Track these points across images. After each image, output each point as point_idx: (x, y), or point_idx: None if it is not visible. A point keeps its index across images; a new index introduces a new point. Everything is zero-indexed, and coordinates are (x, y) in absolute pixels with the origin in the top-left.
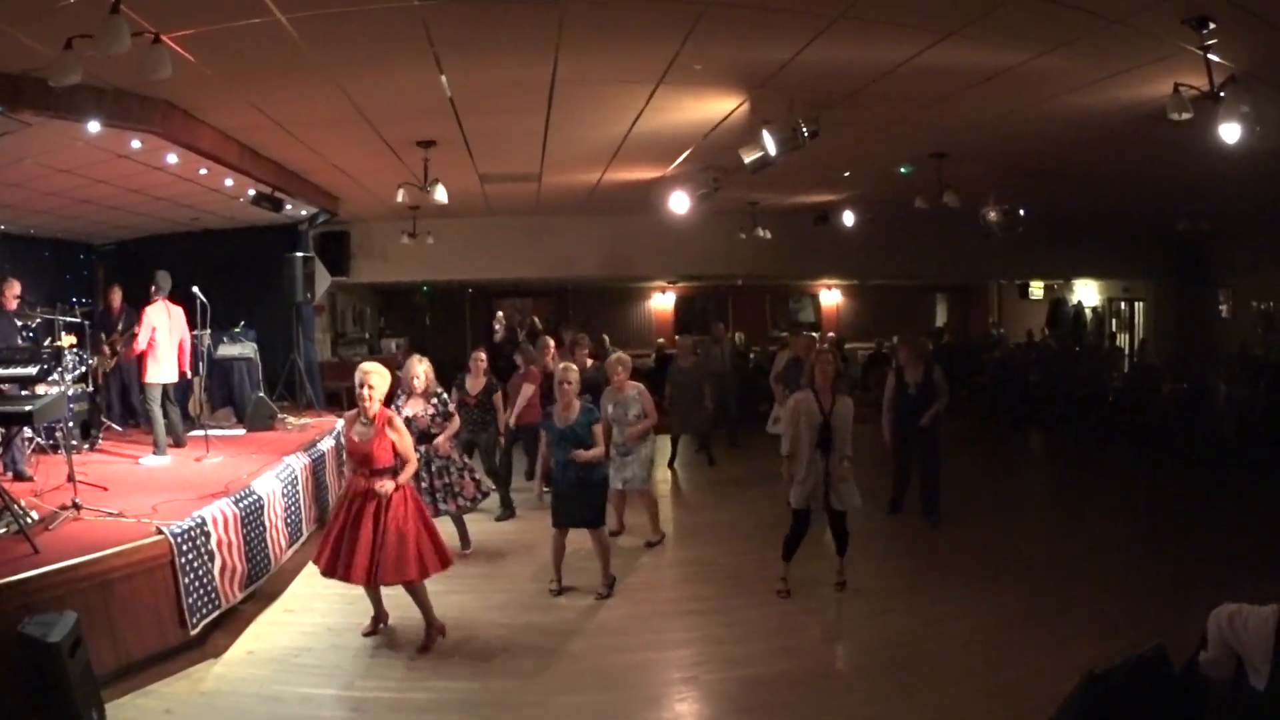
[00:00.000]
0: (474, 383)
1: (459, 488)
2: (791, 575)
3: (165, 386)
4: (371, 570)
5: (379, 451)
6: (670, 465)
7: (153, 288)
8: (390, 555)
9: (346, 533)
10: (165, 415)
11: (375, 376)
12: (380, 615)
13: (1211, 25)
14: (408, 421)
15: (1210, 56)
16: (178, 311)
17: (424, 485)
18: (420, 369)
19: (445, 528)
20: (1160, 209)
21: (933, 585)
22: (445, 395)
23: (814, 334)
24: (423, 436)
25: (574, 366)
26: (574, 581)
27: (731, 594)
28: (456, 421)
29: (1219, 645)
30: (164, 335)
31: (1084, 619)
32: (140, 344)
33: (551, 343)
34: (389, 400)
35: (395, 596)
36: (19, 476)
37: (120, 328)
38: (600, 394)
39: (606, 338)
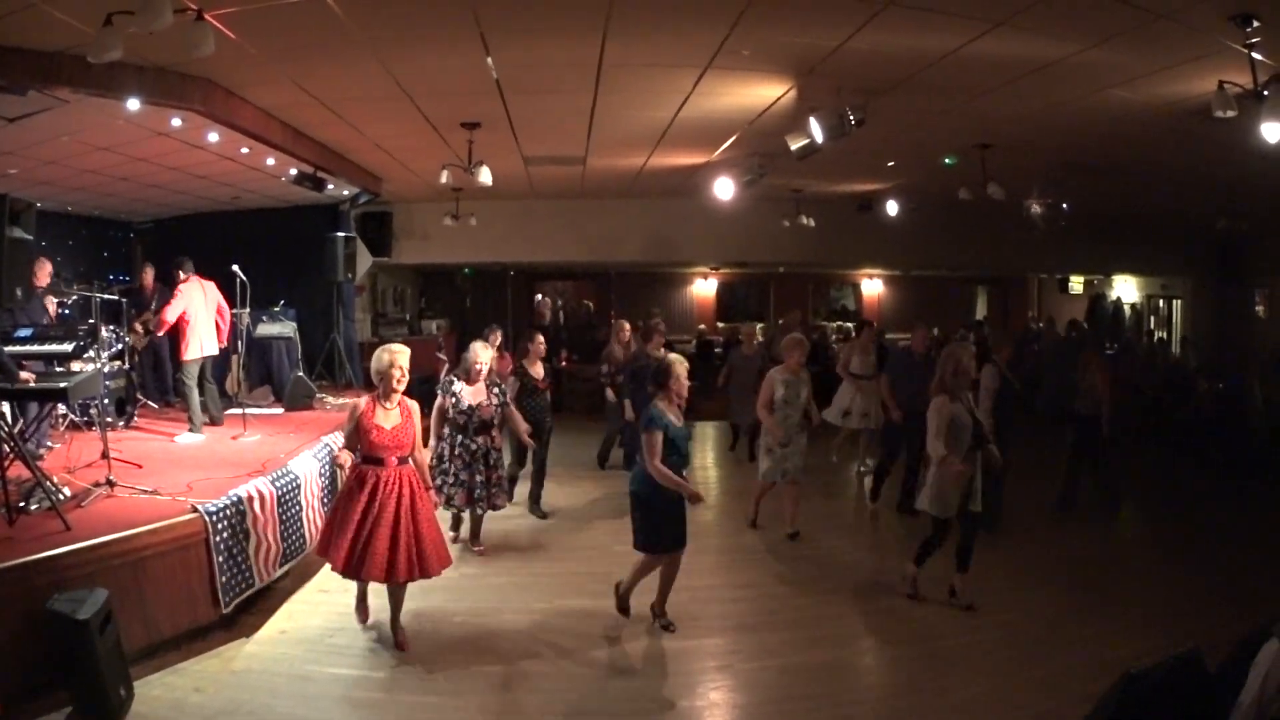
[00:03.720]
0: (538, 368)
1: (503, 484)
2: (826, 566)
3: (203, 363)
4: (412, 565)
5: (408, 439)
6: (732, 449)
7: (179, 271)
8: (431, 546)
9: (378, 530)
10: (202, 393)
11: (404, 358)
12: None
13: (1255, 23)
14: (470, 410)
15: (1254, 54)
16: (210, 286)
17: (479, 480)
18: (485, 355)
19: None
20: (1200, 207)
21: (967, 580)
22: (504, 386)
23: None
24: (483, 427)
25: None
26: (607, 568)
27: (767, 583)
28: (518, 417)
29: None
30: (198, 311)
31: (1117, 618)
32: (170, 317)
33: (627, 326)
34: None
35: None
36: (31, 454)
37: (153, 307)
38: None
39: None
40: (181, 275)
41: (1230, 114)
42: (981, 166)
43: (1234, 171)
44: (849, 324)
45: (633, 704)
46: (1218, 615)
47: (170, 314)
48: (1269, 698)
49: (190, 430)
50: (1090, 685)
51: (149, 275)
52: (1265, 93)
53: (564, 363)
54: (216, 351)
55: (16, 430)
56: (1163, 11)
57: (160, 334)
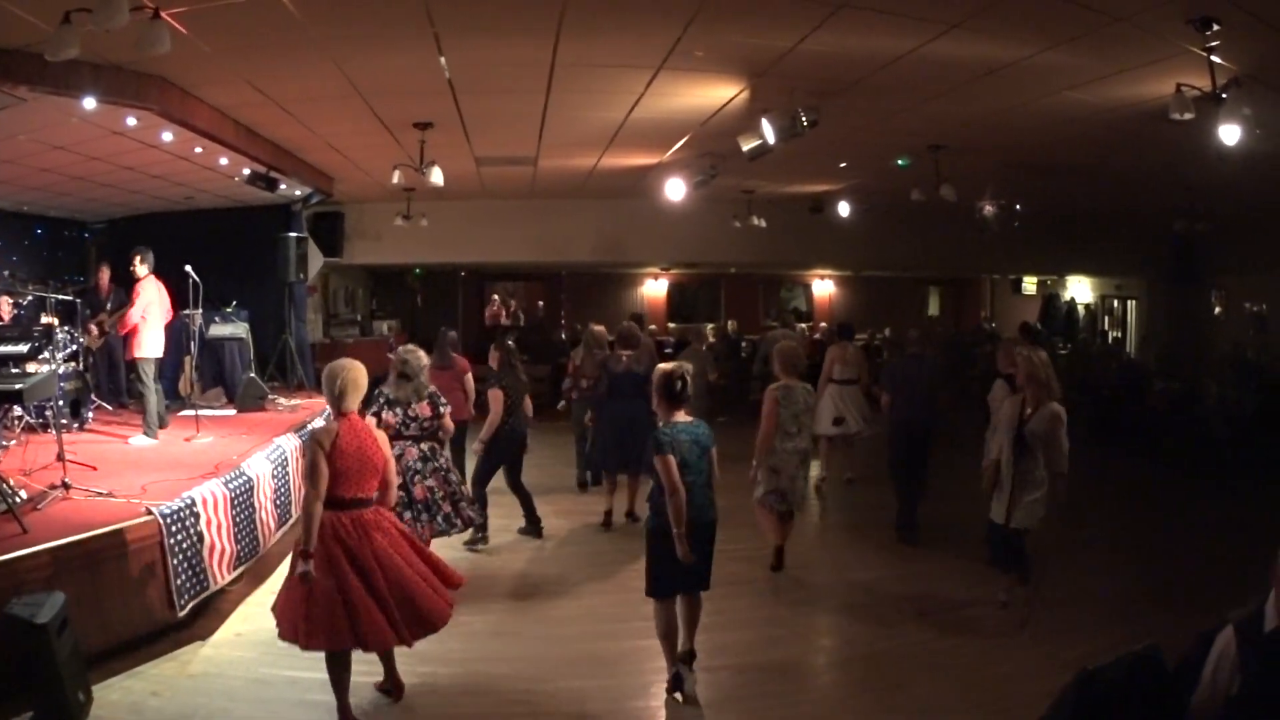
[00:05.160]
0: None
1: None
2: (787, 567)
3: (156, 363)
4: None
5: None
6: None
7: (141, 262)
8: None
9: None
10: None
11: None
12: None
13: (1215, 26)
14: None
15: (1213, 58)
16: (162, 288)
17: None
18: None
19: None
20: (1157, 208)
21: (920, 579)
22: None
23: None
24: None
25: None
26: (560, 568)
27: (721, 583)
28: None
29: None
30: (156, 311)
31: (1073, 616)
32: (134, 318)
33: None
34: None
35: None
36: None
37: (110, 307)
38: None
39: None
40: (145, 270)
41: (1188, 116)
42: (935, 168)
43: (1190, 173)
44: (801, 324)
45: (588, 705)
46: (1173, 613)
47: (135, 313)
48: (1223, 681)
49: (145, 432)
50: (1047, 683)
51: (105, 275)
52: (1224, 95)
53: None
54: (163, 353)
55: None
56: (1120, 15)
57: (123, 333)
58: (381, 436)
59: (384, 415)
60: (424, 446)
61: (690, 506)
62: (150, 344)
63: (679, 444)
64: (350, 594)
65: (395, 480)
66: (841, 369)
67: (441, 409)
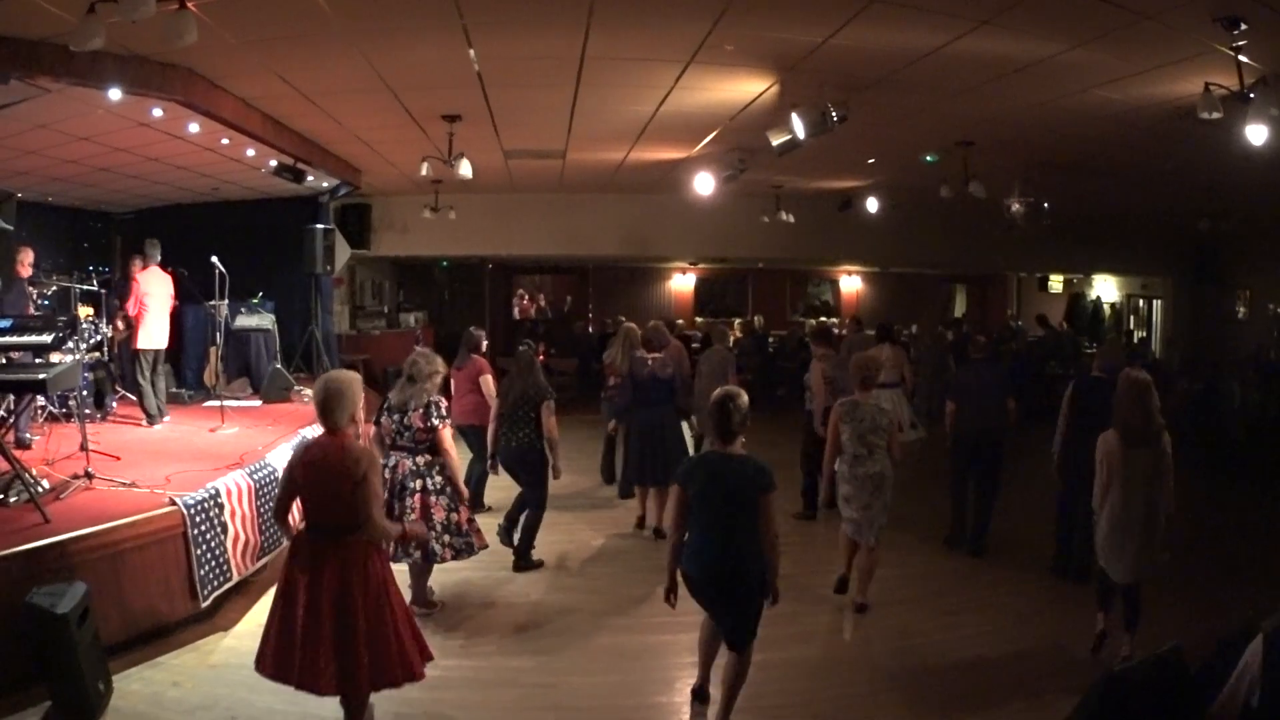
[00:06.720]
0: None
1: None
2: (798, 565)
3: (156, 354)
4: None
5: None
6: None
7: (140, 255)
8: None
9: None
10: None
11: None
12: None
13: (1243, 25)
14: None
15: (1241, 57)
16: (167, 279)
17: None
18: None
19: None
20: (1182, 208)
21: (944, 579)
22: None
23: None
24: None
25: None
26: (586, 564)
27: None
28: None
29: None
30: (155, 302)
31: (1094, 617)
32: (131, 310)
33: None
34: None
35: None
36: (20, 444)
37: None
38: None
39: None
40: (139, 264)
41: (1216, 116)
42: (963, 164)
43: (1217, 173)
44: (829, 319)
45: (609, 700)
46: (1194, 613)
47: (132, 306)
48: (1243, 691)
49: (146, 423)
50: (1070, 682)
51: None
52: (1251, 95)
53: (541, 356)
54: (164, 346)
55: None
56: (1148, 13)
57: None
58: (363, 457)
59: (383, 421)
60: (419, 460)
61: (689, 552)
62: (144, 336)
63: (696, 479)
64: (295, 625)
65: (373, 511)
66: (885, 373)
67: (435, 421)
